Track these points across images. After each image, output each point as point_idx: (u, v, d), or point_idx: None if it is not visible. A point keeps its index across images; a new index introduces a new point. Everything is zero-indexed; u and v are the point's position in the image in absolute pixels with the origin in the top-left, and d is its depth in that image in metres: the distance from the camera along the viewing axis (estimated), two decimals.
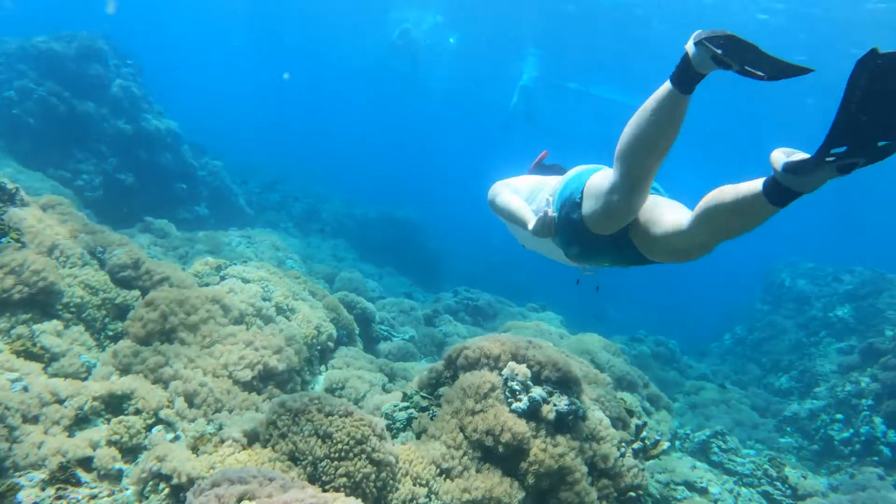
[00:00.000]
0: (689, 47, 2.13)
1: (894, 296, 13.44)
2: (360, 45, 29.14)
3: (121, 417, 3.88)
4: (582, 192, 2.71)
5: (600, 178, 2.63)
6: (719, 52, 1.99)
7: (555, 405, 4.16)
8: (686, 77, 2.15)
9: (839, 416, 8.94)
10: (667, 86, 2.21)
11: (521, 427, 3.97)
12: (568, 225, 2.79)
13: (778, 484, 6.48)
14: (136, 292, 5.21)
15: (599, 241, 2.73)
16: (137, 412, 3.91)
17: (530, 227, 2.92)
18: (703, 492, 5.91)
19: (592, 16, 19.15)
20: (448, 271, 22.89)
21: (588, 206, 2.65)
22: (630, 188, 2.43)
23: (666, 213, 2.51)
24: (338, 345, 6.39)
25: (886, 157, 1.71)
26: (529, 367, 4.30)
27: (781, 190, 1.89)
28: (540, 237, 2.90)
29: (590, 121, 29.67)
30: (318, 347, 5.81)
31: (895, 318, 12.59)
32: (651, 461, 4.57)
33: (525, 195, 3.28)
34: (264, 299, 5.55)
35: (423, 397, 4.44)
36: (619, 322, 19.44)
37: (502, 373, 4.24)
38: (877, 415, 8.39)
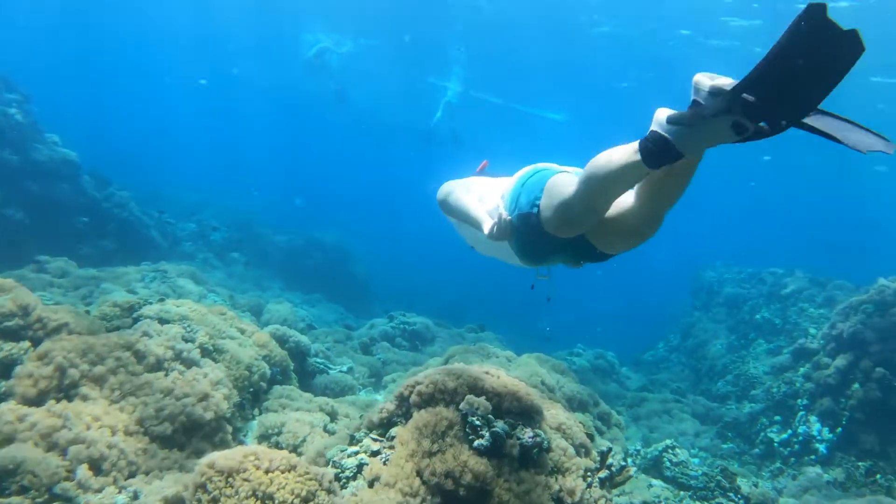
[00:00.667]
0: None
1: (815, 295, 14.18)
2: (273, 64, 28.41)
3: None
4: (540, 197, 2.69)
5: (561, 186, 2.60)
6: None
7: (518, 438, 3.90)
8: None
9: (777, 417, 9.20)
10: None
11: (483, 466, 3.67)
12: (525, 228, 2.76)
13: (731, 495, 6.49)
14: (26, 343, 4.56)
15: (556, 242, 2.72)
16: (23, 491, 3.32)
17: (486, 229, 2.87)
18: None
19: (516, 30, 19.49)
20: (378, 295, 22.61)
21: (547, 212, 2.62)
22: (591, 208, 2.47)
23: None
24: (272, 384, 5.90)
25: (775, 133, 1.83)
26: (489, 398, 4.02)
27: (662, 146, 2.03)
28: (496, 241, 2.88)
29: (516, 136, 30.18)
30: (251, 389, 5.31)
31: (817, 315, 13.28)
32: (617, 489, 4.39)
33: (476, 195, 3.22)
34: (186, 340, 5.02)
35: (374, 439, 4.07)
36: (555, 337, 19.57)
37: (460, 408, 3.94)
38: (812, 413, 8.67)
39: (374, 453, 3.98)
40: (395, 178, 47.09)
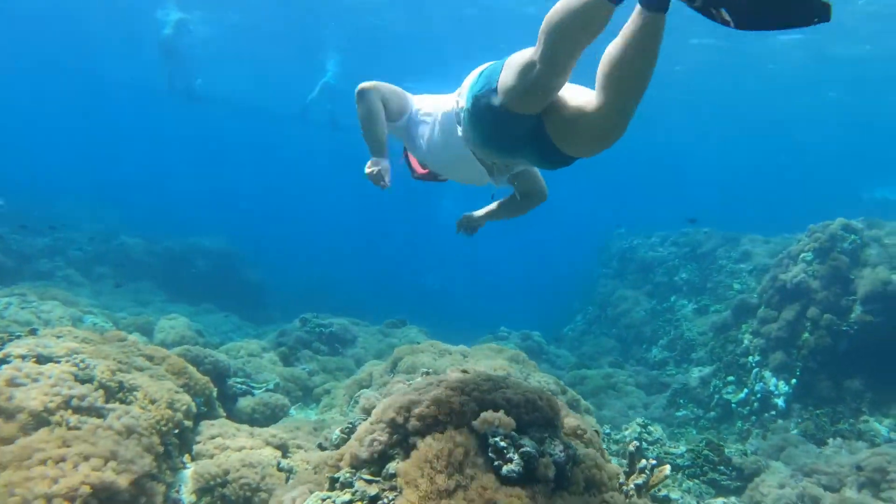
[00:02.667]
0: None
1: (730, 250, 14.73)
2: (131, 53, 25.52)
3: None
4: (499, 72, 2.64)
5: (520, 55, 2.58)
6: None
7: (550, 455, 3.24)
8: None
9: (730, 378, 9.28)
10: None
11: (519, 499, 2.98)
12: (485, 110, 2.71)
13: (722, 468, 6.27)
14: None
15: (518, 127, 2.68)
16: None
17: (369, 167, 3.02)
18: (665, 501, 5.43)
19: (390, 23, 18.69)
20: (274, 300, 21.36)
21: (507, 82, 2.58)
22: (553, 65, 2.41)
23: (578, 93, 2.55)
24: (197, 419, 4.84)
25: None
26: (507, 412, 3.33)
27: None
28: (448, 134, 3.00)
29: None
30: (175, 431, 4.26)
31: (738, 270, 13.78)
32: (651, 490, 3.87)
33: (429, 107, 3.24)
34: (81, 381, 3.87)
35: (368, 481, 3.25)
36: (477, 321, 19.26)
37: (475, 427, 3.22)
38: (766, 369, 8.79)
39: (373, 499, 3.16)
40: (278, 174, 44.83)
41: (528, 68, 2.47)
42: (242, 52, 24.04)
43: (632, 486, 3.70)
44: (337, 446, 4.56)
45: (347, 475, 3.37)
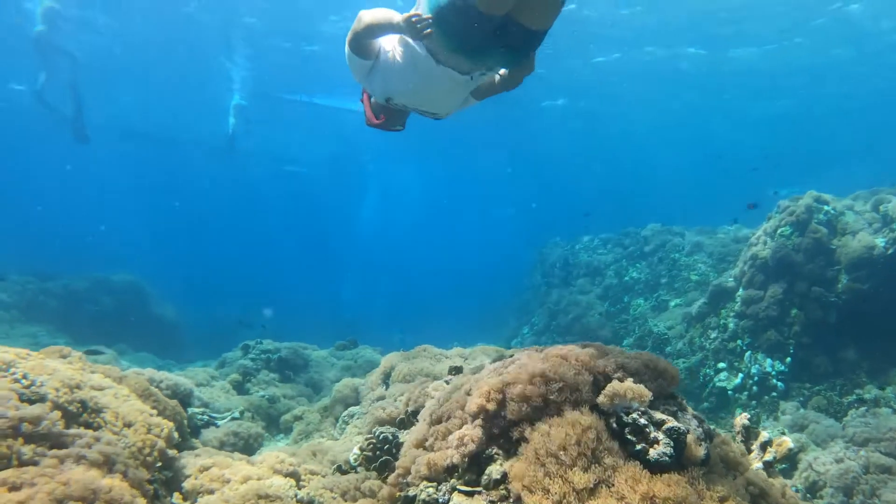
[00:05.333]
0: None
1: (679, 244, 14.78)
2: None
3: None
4: None
5: None
6: None
7: (690, 432, 2.57)
8: None
9: (721, 364, 8.98)
10: None
11: (680, 489, 2.28)
12: (453, 14, 2.84)
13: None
14: None
15: (486, 24, 2.81)
16: None
17: (407, 16, 2.97)
18: None
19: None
20: (192, 335, 19.76)
21: None
22: None
23: None
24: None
25: None
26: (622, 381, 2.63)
27: None
28: (411, 33, 3.00)
29: (325, 133, 28.49)
30: (159, 464, 3.23)
31: (692, 262, 13.78)
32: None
33: (389, 41, 3.35)
34: (29, 401, 2.82)
35: (468, 493, 2.44)
36: (423, 340, 18.34)
37: (600, 405, 2.50)
38: (758, 351, 8.55)
39: None
40: (189, 199, 42.26)
41: None
42: (124, 64, 21.64)
43: (760, 463, 3.09)
44: (365, 467, 3.71)
45: (430, 491, 2.54)
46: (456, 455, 2.53)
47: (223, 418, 5.95)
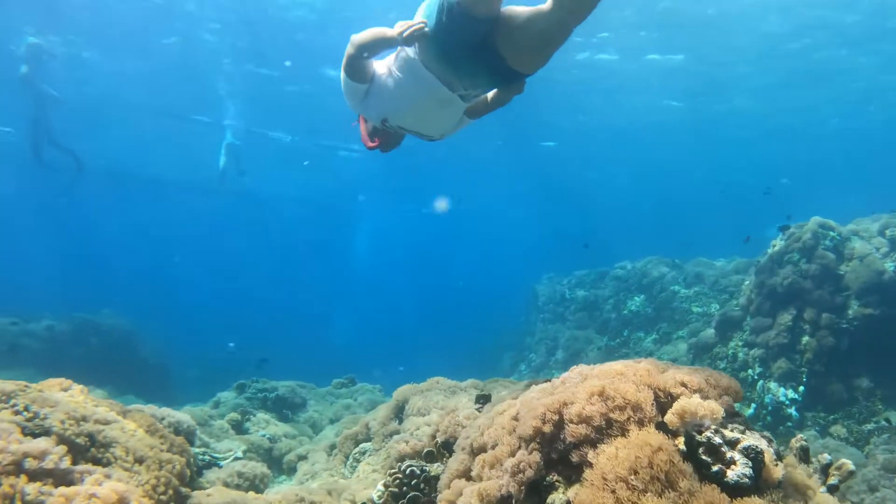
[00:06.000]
0: None
1: (678, 276, 14.70)
2: None
3: None
4: None
5: None
6: None
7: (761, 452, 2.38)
8: None
9: None
10: None
11: None
12: (443, 21, 2.97)
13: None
14: None
15: (471, 36, 2.99)
16: None
17: (397, 29, 3.10)
18: None
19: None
20: (179, 377, 19.28)
21: None
22: None
23: (527, 9, 2.94)
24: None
25: None
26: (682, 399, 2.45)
27: None
28: (405, 41, 3.09)
29: (315, 172, 28.49)
30: (172, 503, 2.96)
31: (693, 294, 13.68)
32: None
33: (382, 64, 3.50)
34: (32, 434, 2.57)
35: None
36: (420, 375, 17.97)
37: (668, 423, 2.31)
38: (770, 380, 8.37)
39: None
40: (182, 239, 41.85)
41: None
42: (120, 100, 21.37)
43: (824, 487, 2.89)
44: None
45: None
46: (512, 483, 2.32)
47: (225, 459, 5.64)
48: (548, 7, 2.85)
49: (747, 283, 9.99)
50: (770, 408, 8.21)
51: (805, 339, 8.26)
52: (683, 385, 2.51)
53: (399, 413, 5.70)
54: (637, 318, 15.10)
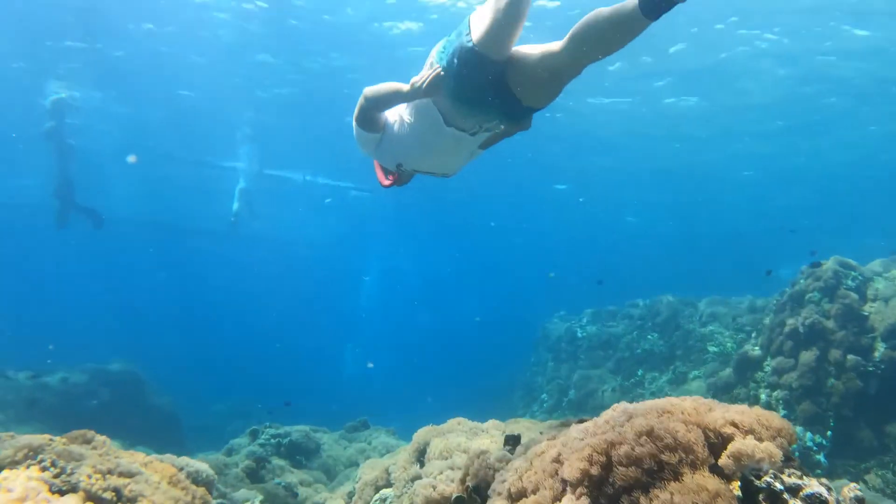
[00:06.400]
0: None
1: (692, 314, 14.52)
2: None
3: None
4: (468, 30, 3.07)
5: (483, 7, 3.04)
6: None
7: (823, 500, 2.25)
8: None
9: None
10: None
11: None
12: (458, 63, 3.07)
13: None
14: None
15: (484, 76, 3.04)
16: None
17: (412, 81, 3.20)
18: None
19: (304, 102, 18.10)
20: (190, 425, 19.01)
21: (479, 27, 3.01)
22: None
23: (538, 47, 3.05)
24: None
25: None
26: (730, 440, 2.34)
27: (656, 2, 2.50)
28: (426, 91, 3.16)
29: (328, 211, 28.67)
30: None
31: (708, 332, 13.47)
32: None
33: (394, 112, 3.56)
34: (60, 492, 2.47)
35: None
36: (427, 416, 17.64)
37: (723, 467, 2.20)
38: (796, 424, 8.15)
39: None
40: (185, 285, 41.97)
41: (494, 9, 2.95)
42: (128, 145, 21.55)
43: None
44: None
45: None
46: None
47: None
48: (559, 47, 2.93)
49: (766, 321, 9.83)
50: (797, 453, 7.96)
51: (831, 381, 8.06)
52: (734, 425, 2.40)
53: (420, 456, 5.53)
54: (651, 357, 14.87)
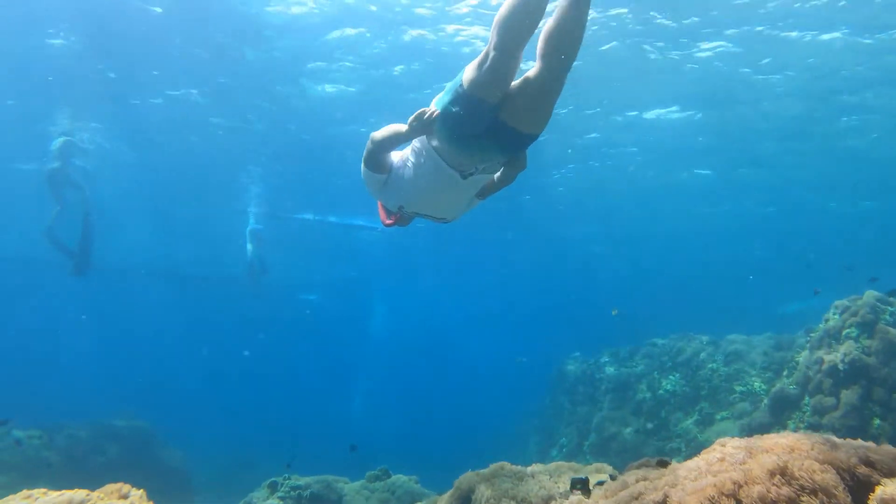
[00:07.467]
0: None
1: (713, 353, 14.17)
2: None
3: None
4: (462, 79, 3.32)
5: (476, 59, 3.32)
6: None
7: None
8: None
9: None
10: None
11: None
12: (453, 107, 3.33)
13: None
14: None
15: (479, 118, 3.28)
16: None
17: (411, 118, 3.44)
18: None
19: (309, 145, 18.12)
20: (199, 479, 18.47)
21: (470, 76, 3.27)
22: (507, 49, 3.17)
23: (517, 80, 3.36)
24: None
25: None
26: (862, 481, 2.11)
27: None
28: (420, 128, 3.44)
29: (338, 251, 28.50)
30: None
31: (734, 371, 13.13)
32: None
33: (398, 154, 3.84)
34: None
35: None
36: (438, 464, 17.15)
37: None
38: None
39: None
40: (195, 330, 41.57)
41: (485, 58, 3.21)
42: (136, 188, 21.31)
43: None
44: None
45: None
46: None
47: None
48: (537, 70, 3.24)
49: (800, 359, 9.54)
50: None
51: (877, 421, 7.75)
52: (870, 465, 2.17)
53: (465, 503, 5.23)
54: (674, 399, 14.47)
